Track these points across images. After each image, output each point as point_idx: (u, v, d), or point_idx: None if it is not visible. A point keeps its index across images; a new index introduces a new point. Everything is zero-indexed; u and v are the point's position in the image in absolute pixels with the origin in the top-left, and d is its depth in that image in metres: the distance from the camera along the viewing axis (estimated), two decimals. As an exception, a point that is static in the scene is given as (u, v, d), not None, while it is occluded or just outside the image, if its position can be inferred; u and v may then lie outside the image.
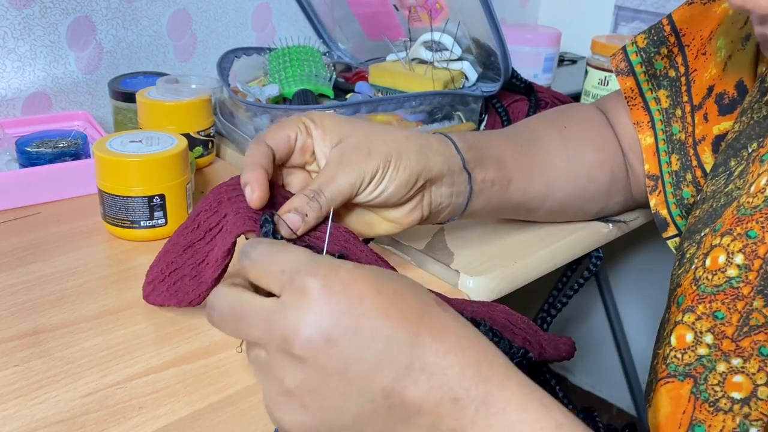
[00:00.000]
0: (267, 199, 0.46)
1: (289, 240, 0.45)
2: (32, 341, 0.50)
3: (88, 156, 0.76)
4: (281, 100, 0.85)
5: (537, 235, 0.67)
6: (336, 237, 0.48)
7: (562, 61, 1.27)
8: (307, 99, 0.82)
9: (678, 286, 0.50)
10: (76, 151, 0.75)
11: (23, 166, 0.73)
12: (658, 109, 0.64)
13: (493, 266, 0.62)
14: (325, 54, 0.95)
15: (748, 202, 0.46)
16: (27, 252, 0.62)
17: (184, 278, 0.50)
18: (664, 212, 0.63)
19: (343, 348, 0.33)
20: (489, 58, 0.85)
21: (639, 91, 0.64)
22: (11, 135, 0.77)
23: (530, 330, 0.45)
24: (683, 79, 0.62)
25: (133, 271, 0.60)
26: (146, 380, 0.47)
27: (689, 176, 0.61)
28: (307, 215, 0.47)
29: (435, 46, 0.86)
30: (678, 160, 0.62)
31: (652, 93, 0.64)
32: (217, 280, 0.48)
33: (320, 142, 0.51)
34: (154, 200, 0.63)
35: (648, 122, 0.64)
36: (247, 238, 0.46)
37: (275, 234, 0.45)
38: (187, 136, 0.72)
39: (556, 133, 0.64)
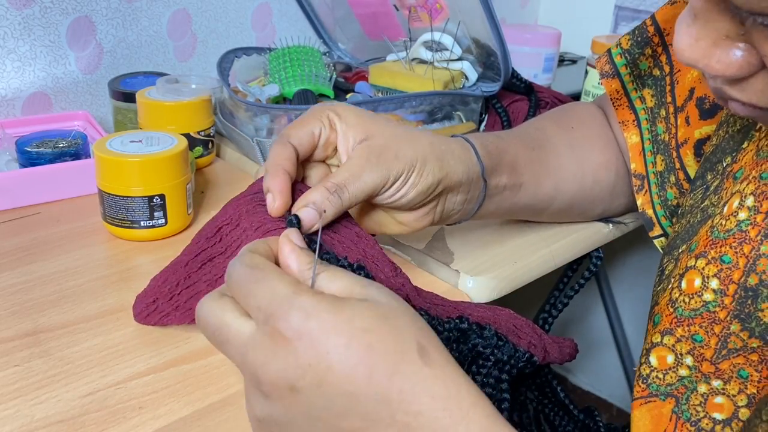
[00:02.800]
0: (288, 208, 0.45)
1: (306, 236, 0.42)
2: (32, 341, 0.50)
3: (88, 156, 0.76)
4: (281, 100, 0.85)
5: (537, 235, 0.67)
6: (354, 240, 0.46)
7: (562, 61, 1.27)
8: (307, 99, 0.82)
9: (656, 304, 0.50)
10: (76, 151, 0.75)
11: (23, 166, 0.73)
12: (644, 108, 0.63)
13: (493, 266, 0.62)
14: (325, 54, 0.95)
15: (721, 225, 0.46)
16: (27, 252, 0.62)
17: (199, 294, 0.48)
18: (650, 212, 0.63)
19: (307, 397, 0.33)
20: (489, 58, 0.85)
21: (624, 92, 0.64)
22: (11, 135, 0.77)
23: (534, 334, 0.45)
24: (668, 78, 0.62)
25: (133, 271, 0.60)
26: (146, 380, 0.47)
27: (673, 178, 0.61)
28: (325, 211, 0.45)
29: (435, 46, 0.86)
30: (662, 160, 0.62)
31: (637, 92, 0.63)
32: None
33: (343, 137, 0.49)
34: (154, 200, 0.63)
35: (633, 121, 0.64)
36: None
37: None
38: (187, 136, 0.72)
39: (565, 134, 0.64)
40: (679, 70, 0.61)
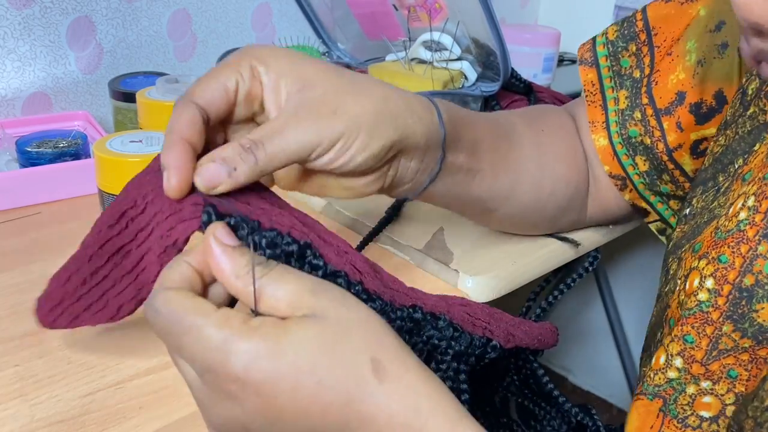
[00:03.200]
0: (191, 185, 0.36)
1: (212, 202, 0.34)
2: (32, 341, 0.50)
3: (88, 156, 0.76)
4: (281, 100, 0.85)
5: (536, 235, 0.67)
6: (282, 214, 0.38)
7: (562, 61, 1.27)
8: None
9: (668, 307, 0.50)
10: (76, 151, 0.75)
11: (23, 166, 0.73)
12: (615, 110, 0.61)
13: (493, 266, 0.62)
14: (324, 54, 0.96)
15: (724, 226, 0.45)
16: (27, 252, 0.62)
17: (112, 290, 0.41)
18: (642, 204, 0.63)
19: None
20: (488, 58, 0.85)
21: (600, 87, 0.62)
22: (11, 135, 0.78)
23: (491, 318, 0.42)
24: (645, 80, 0.59)
25: (133, 271, 0.60)
26: (146, 380, 0.47)
27: (666, 177, 0.60)
28: (236, 169, 0.36)
29: (434, 46, 0.86)
30: (646, 161, 0.60)
31: (613, 92, 0.61)
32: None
33: (272, 89, 0.40)
34: (154, 200, 0.63)
35: (603, 122, 0.62)
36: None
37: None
38: (186, 136, 0.73)
39: (534, 136, 0.59)
40: (659, 71, 0.59)
